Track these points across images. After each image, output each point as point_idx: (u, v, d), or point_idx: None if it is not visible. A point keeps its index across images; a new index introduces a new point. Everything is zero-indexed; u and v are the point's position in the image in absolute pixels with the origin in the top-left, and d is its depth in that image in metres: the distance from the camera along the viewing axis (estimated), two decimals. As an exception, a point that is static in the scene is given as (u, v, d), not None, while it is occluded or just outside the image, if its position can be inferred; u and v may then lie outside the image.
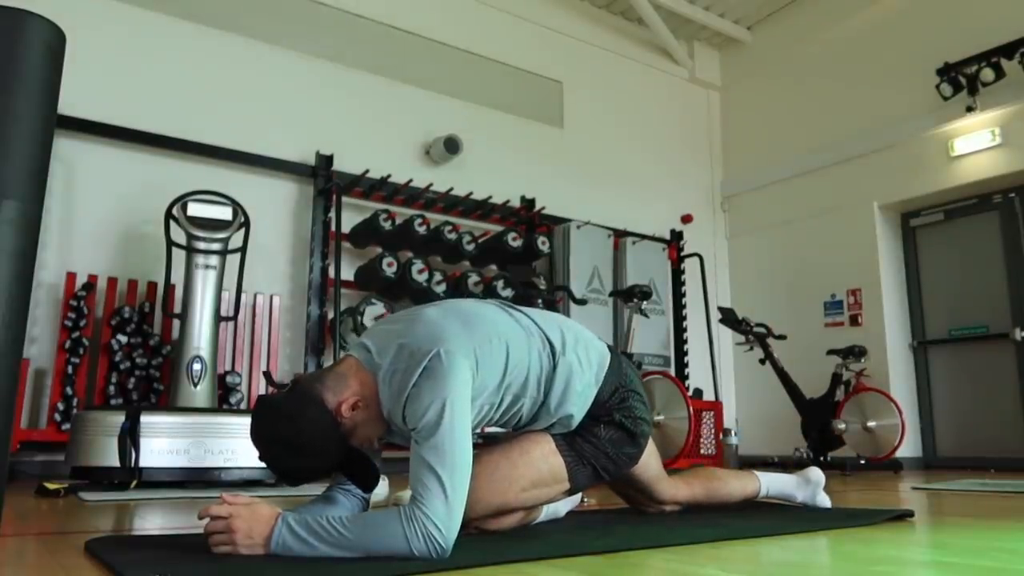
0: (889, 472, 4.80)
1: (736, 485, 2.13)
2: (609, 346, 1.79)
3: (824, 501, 2.18)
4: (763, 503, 2.25)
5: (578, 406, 1.63)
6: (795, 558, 1.41)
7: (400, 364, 1.40)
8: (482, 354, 1.47)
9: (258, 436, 1.38)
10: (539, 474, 1.60)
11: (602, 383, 1.66)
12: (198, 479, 3.10)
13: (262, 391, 4.29)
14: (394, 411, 1.41)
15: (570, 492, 1.70)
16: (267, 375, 1.48)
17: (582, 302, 4.93)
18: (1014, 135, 5.20)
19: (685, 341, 6.05)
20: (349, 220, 4.78)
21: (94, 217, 4.11)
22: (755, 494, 2.15)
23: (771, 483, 2.17)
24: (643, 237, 6.01)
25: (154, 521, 2.02)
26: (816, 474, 2.21)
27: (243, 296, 4.11)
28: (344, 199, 4.74)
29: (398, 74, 5.35)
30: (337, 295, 4.41)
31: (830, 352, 5.21)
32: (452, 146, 5.24)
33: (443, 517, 1.25)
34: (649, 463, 1.89)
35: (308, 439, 1.35)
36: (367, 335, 1.52)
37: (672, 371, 5.78)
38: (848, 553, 1.45)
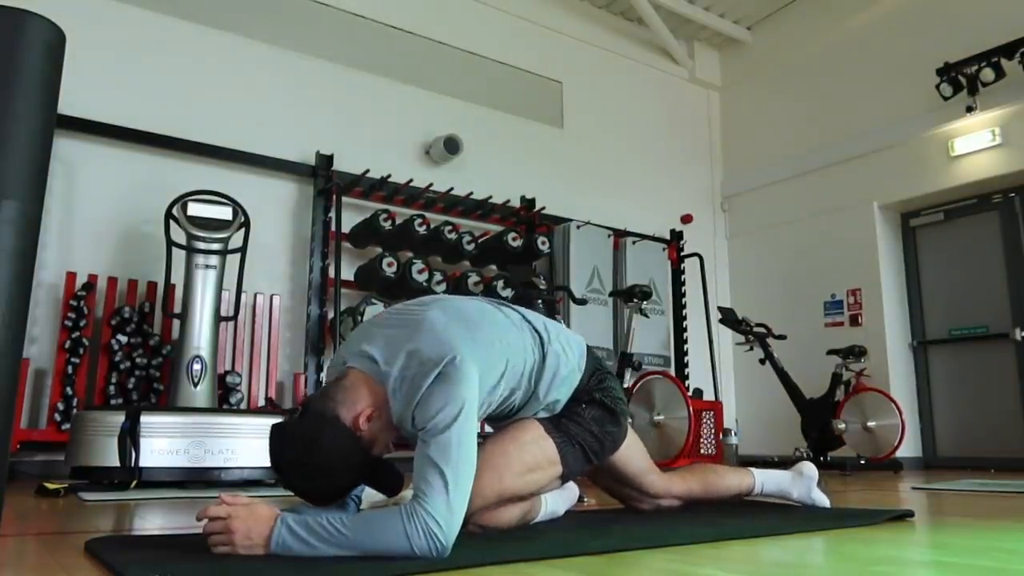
0: (889, 472, 4.79)
1: (732, 479, 2.17)
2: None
3: (820, 497, 2.20)
4: (761, 502, 2.26)
5: (564, 391, 1.71)
6: (794, 558, 1.41)
7: (410, 371, 1.41)
8: (486, 358, 1.50)
9: (280, 465, 1.37)
10: (532, 457, 1.64)
11: (584, 368, 1.76)
12: (198, 479, 3.09)
13: (262, 392, 4.29)
14: (404, 416, 1.42)
15: (563, 477, 1.72)
16: (270, 401, 1.49)
17: (582, 302, 4.93)
18: (1014, 135, 5.20)
19: (685, 341, 6.05)
20: (349, 220, 4.78)
21: (94, 217, 4.10)
22: (751, 489, 2.17)
23: (766, 479, 2.20)
24: (643, 237, 6.01)
25: (154, 521, 2.02)
26: (809, 468, 2.23)
27: (243, 296, 4.11)
28: (344, 199, 4.74)
29: (398, 74, 5.35)
30: (337, 295, 4.41)
31: (830, 352, 5.21)
32: (452, 146, 5.24)
33: (444, 514, 1.26)
34: (633, 455, 1.95)
35: (331, 459, 1.35)
36: (365, 342, 1.50)
37: (672, 371, 5.78)
38: (848, 553, 1.45)
